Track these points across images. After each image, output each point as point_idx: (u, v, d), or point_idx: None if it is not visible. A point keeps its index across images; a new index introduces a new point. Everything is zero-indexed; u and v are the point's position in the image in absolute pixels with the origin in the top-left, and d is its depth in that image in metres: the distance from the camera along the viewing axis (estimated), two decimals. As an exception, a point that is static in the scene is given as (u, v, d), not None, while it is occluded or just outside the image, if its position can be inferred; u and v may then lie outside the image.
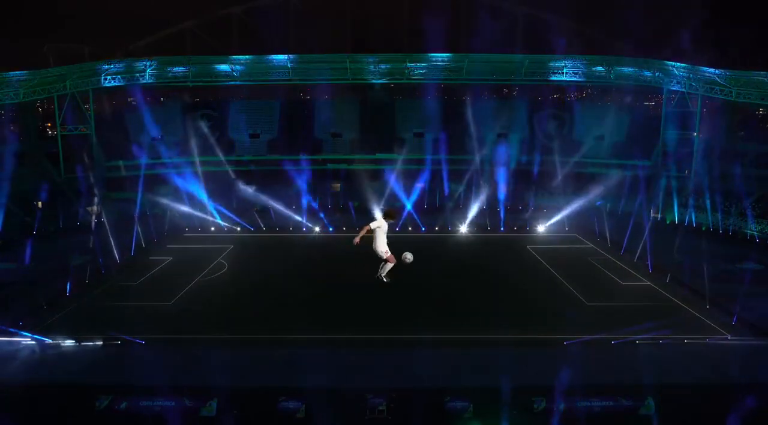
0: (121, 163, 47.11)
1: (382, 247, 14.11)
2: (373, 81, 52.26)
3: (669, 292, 27.92)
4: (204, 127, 49.44)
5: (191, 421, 16.41)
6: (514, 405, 16.51)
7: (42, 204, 41.11)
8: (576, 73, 49.72)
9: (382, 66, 50.46)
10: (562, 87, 56.51)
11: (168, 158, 46.31)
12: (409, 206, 43.77)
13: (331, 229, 42.09)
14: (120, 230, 36.85)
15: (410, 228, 41.38)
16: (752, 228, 38.45)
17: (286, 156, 48.31)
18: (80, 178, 43.24)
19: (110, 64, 46.62)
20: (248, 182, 46.18)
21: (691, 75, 44.11)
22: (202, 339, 21.92)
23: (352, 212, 43.79)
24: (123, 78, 47.66)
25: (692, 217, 41.65)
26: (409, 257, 14.45)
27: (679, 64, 44.24)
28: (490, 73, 50.19)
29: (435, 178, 47.43)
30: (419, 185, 47.12)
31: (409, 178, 47.27)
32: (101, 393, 17.17)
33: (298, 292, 28.12)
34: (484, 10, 48.77)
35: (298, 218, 42.90)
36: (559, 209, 43.01)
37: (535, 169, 47.28)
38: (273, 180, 46.77)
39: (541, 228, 41.46)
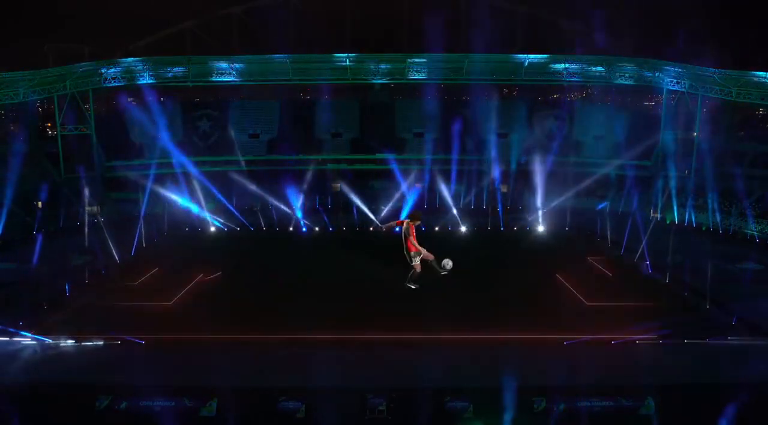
0: (121, 163, 47.10)
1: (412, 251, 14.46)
2: (373, 81, 52.28)
3: (669, 292, 27.91)
4: (204, 127, 49.49)
5: (191, 421, 16.41)
6: (514, 405, 16.50)
7: (42, 204, 41.11)
8: (576, 74, 49.74)
9: (382, 66, 50.48)
10: (562, 87, 56.53)
11: (168, 158, 46.26)
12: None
13: (331, 229, 42.10)
14: (120, 230, 36.85)
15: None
16: (752, 228, 38.45)
17: (286, 156, 48.33)
18: (80, 178, 43.24)
19: (110, 64, 46.64)
20: (248, 183, 46.18)
21: (691, 75, 44.13)
22: (202, 339, 21.91)
23: (355, 213, 43.78)
24: (123, 78, 47.69)
25: (692, 217, 41.66)
26: (449, 265, 14.57)
27: (678, 64, 44.27)
28: (490, 73, 50.20)
29: (434, 178, 47.42)
30: (419, 185, 47.14)
31: (407, 178, 47.28)
32: (101, 393, 17.18)
33: (298, 292, 28.12)
34: (484, 10, 48.79)
35: (297, 218, 42.90)
36: (558, 209, 43.01)
37: (535, 169, 47.21)
38: (273, 180, 46.74)
39: (540, 228, 41.47)
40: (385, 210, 43.73)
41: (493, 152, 47.61)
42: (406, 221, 13.97)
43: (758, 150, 43.51)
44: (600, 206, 44.17)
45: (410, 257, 14.26)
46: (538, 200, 44.44)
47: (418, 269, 14.37)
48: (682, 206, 42.47)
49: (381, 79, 52.03)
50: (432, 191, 47.55)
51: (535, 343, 21.45)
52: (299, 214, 42.81)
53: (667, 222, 42.03)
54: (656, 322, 22.81)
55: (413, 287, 14.82)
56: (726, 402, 16.16)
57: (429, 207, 46.21)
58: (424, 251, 14.89)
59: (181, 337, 22.23)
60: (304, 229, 41.80)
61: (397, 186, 45.83)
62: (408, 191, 45.27)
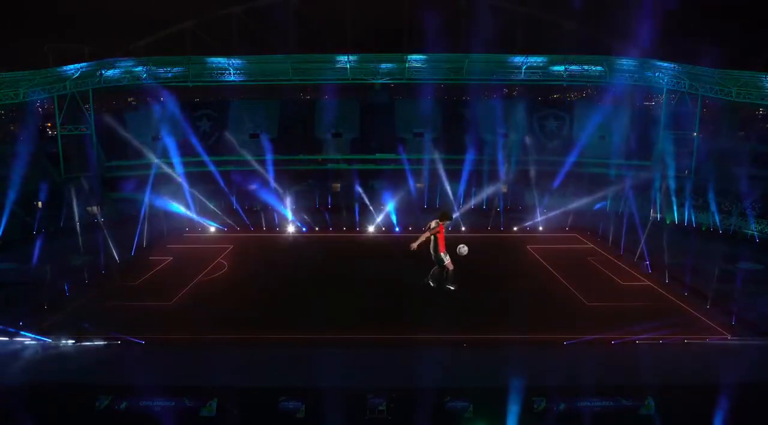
0: (121, 163, 47.11)
1: (441, 251, 14.00)
2: (373, 81, 52.26)
3: (669, 292, 27.91)
4: (204, 127, 49.49)
5: (191, 421, 16.42)
6: (514, 405, 16.50)
7: (42, 204, 41.10)
8: (576, 74, 49.73)
9: (382, 66, 50.46)
10: (562, 87, 56.58)
11: (168, 158, 46.23)
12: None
13: (331, 228, 42.12)
14: (120, 230, 36.86)
15: (410, 228, 41.40)
16: (752, 228, 38.45)
17: (286, 156, 48.29)
18: (80, 178, 43.23)
19: (110, 64, 46.63)
20: (249, 183, 46.18)
21: (691, 75, 44.13)
22: (202, 339, 21.92)
23: (357, 212, 43.81)
24: (123, 78, 47.68)
25: (692, 217, 41.65)
26: (464, 249, 14.19)
27: (679, 64, 44.25)
28: (490, 73, 50.20)
29: (434, 178, 47.38)
30: (419, 185, 47.13)
31: (408, 178, 47.27)
32: (101, 393, 17.18)
33: (298, 292, 28.14)
34: (485, 10, 48.75)
35: (297, 218, 42.91)
36: (558, 209, 43.00)
37: (535, 169, 47.22)
38: (274, 180, 46.74)
39: (540, 228, 41.48)
40: (386, 210, 43.75)
41: (492, 152, 47.58)
42: (435, 221, 13.70)
43: (758, 150, 43.46)
44: (597, 207, 44.16)
45: (440, 259, 13.95)
46: (538, 200, 44.48)
47: (451, 267, 14.23)
48: (681, 206, 42.45)
49: (381, 79, 52.00)
50: (432, 190, 47.55)
51: (535, 343, 21.44)
52: (291, 215, 42.82)
53: (667, 222, 42.02)
54: (656, 322, 22.82)
55: (452, 288, 14.53)
56: (726, 402, 16.16)
57: (429, 207, 46.21)
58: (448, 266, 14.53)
59: (181, 337, 22.24)
60: (303, 229, 41.83)
61: (396, 186, 45.78)
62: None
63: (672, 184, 43.88)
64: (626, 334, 21.91)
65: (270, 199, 44.98)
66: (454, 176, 47.14)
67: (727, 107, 44.86)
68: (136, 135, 48.31)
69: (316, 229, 42.01)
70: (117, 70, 47.24)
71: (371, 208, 44.67)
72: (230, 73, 49.67)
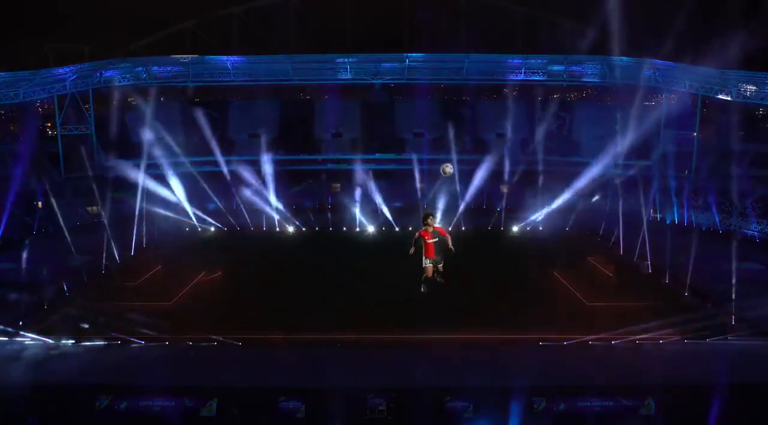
0: (121, 163, 47.03)
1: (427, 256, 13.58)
2: (373, 81, 52.23)
3: (669, 292, 27.92)
4: (204, 127, 49.39)
5: (191, 421, 16.42)
6: (514, 405, 16.50)
7: (42, 204, 41.07)
8: (576, 73, 49.72)
9: (383, 66, 50.45)
10: (562, 87, 56.51)
11: (168, 158, 46.21)
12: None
13: (330, 228, 42.13)
14: (120, 230, 36.85)
15: (410, 228, 41.37)
16: (752, 228, 38.45)
17: (286, 156, 48.29)
18: (80, 178, 43.21)
19: (110, 64, 46.62)
20: (248, 183, 46.14)
21: (691, 75, 44.10)
22: (202, 339, 21.91)
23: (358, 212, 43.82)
24: (123, 78, 47.66)
25: (692, 217, 41.64)
26: (448, 169, 13.50)
27: (678, 63, 44.23)
28: (490, 73, 50.18)
29: (434, 178, 47.34)
30: (419, 185, 47.10)
31: (408, 178, 47.24)
32: (101, 393, 17.17)
33: (298, 292, 28.13)
34: (485, 10, 48.77)
35: (297, 217, 42.94)
36: (558, 209, 42.98)
37: (535, 169, 47.20)
38: (272, 180, 46.71)
39: (540, 227, 41.49)
40: (385, 210, 43.80)
41: (492, 152, 47.50)
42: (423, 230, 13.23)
43: (758, 150, 43.42)
44: (594, 201, 44.12)
45: (432, 262, 13.54)
46: (538, 200, 44.46)
47: (429, 274, 13.85)
48: (681, 206, 42.44)
49: (381, 79, 51.98)
50: (431, 191, 47.51)
51: (535, 343, 21.43)
52: (291, 215, 42.86)
53: (667, 222, 42.01)
54: (656, 322, 22.82)
55: (422, 289, 14.24)
56: (726, 402, 16.15)
57: (429, 207, 46.17)
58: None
59: (181, 337, 22.23)
60: (303, 229, 41.85)
61: (396, 186, 45.78)
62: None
63: (672, 184, 43.87)
64: (626, 334, 21.90)
65: (270, 199, 44.95)
66: (453, 176, 47.13)
67: (727, 107, 44.78)
68: (136, 135, 48.28)
69: (316, 229, 42.01)
70: (117, 70, 47.21)
71: (371, 208, 44.67)
72: (230, 73, 49.65)
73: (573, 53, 47.88)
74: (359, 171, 46.30)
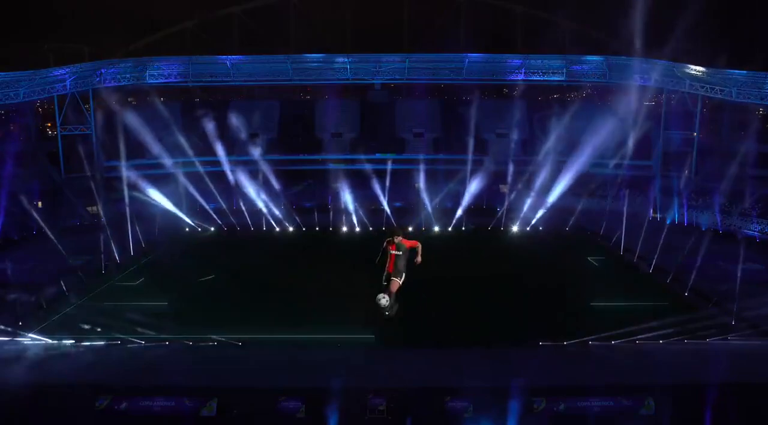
0: (120, 163, 47.05)
1: (393, 273, 12.45)
2: (373, 81, 52.23)
3: (669, 292, 27.90)
4: (203, 127, 49.40)
5: (191, 421, 16.42)
6: (514, 405, 16.50)
7: (42, 204, 41.07)
8: (576, 73, 49.74)
9: (382, 66, 50.46)
10: (562, 87, 56.57)
11: (167, 158, 46.25)
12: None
13: (330, 228, 42.13)
14: (120, 230, 36.84)
15: (410, 229, 41.39)
16: (753, 228, 38.45)
17: (287, 156, 48.31)
18: (80, 178, 43.22)
19: (110, 64, 46.63)
20: (247, 183, 46.14)
21: (691, 75, 44.12)
22: (202, 339, 21.91)
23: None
24: (123, 78, 47.68)
25: (692, 217, 41.64)
26: (383, 301, 12.09)
27: (678, 64, 44.25)
28: (490, 73, 50.20)
29: (434, 178, 47.38)
30: (417, 185, 47.11)
31: (408, 178, 47.26)
32: (101, 393, 17.16)
33: (298, 292, 28.11)
34: (485, 10, 48.80)
35: (297, 217, 42.95)
36: (558, 209, 42.98)
37: (535, 169, 47.21)
38: (273, 180, 46.74)
39: (540, 227, 41.48)
40: (385, 210, 43.83)
41: (493, 152, 47.57)
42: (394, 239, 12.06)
43: (758, 150, 43.44)
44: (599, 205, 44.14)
45: (387, 276, 12.50)
46: (538, 200, 44.46)
47: (393, 291, 12.58)
48: (681, 206, 42.44)
49: (381, 79, 51.98)
50: (431, 191, 47.51)
51: (535, 343, 21.42)
52: (291, 215, 42.88)
53: (667, 222, 41.99)
54: (657, 322, 22.81)
55: (386, 312, 12.93)
56: (726, 402, 16.16)
57: (428, 207, 46.20)
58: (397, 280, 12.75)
59: (182, 337, 22.22)
60: (303, 229, 41.86)
61: (396, 186, 45.77)
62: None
63: (672, 184, 43.86)
64: (626, 334, 21.89)
65: (270, 199, 44.96)
66: (453, 176, 47.22)
67: (728, 107, 44.84)
68: (136, 135, 48.27)
69: (316, 229, 42.01)
70: (117, 70, 47.22)
71: (371, 208, 44.67)
72: (230, 73, 49.65)
73: (573, 53, 47.94)
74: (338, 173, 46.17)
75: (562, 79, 50.17)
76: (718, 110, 46.84)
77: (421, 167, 46.51)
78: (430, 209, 44.37)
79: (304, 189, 48.16)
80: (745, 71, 41.52)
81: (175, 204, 42.88)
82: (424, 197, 45.94)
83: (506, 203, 45.05)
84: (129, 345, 21.31)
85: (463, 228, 41.67)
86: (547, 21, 50.58)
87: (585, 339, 21.54)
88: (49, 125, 57.04)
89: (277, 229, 42.03)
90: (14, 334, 21.95)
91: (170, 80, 49.52)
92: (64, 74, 44.64)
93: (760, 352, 21.22)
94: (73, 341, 21.61)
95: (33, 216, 39.20)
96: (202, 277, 30.08)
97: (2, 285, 27.82)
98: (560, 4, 50.71)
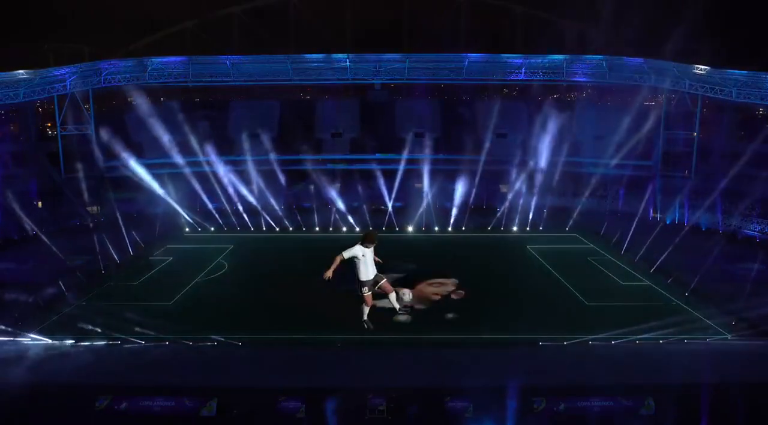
0: (120, 163, 47.08)
1: (363, 278, 11.77)
2: (373, 81, 52.21)
3: (669, 292, 27.92)
4: (204, 127, 49.43)
5: (191, 421, 16.41)
6: (514, 405, 16.49)
7: (42, 204, 41.05)
8: (576, 73, 49.73)
9: (382, 66, 50.46)
10: (562, 87, 56.53)
11: (167, 158, 46.24)
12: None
13: (330, 228, 42.15)
14: (120, 230, 36.86)
15: (410, 229, 41.47)
16: (753, 228, 38.45)
17: (286, 156, 48.26)
18: (80, 178, 43.23)
19: (110, 64, 46.62)
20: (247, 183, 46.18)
21: (691, 75, 44.11)
22: (202, 339, 21.91)
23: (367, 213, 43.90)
24: (123, 78, 47.67)
25: (692, 217, 41.62)
26: (407, 296, 11.57)
27: (679, 64, 44.23)
28: (490, 73, 50.19)
29: (434, 178, 47.35)
30: (417, 185, 47.11)
31: (408, 178, 47.22)
32: (101, 393, 17.16)
33: (298, 292, 28.10)
34: (485, 10, 48.80)
35: (297, 217, 42.96)
36: (557, 209, 43.01)
37: (535, 169, 47.21)
38: (273, 180, 46.76)
39: (540, 227, 41.50)
40: (386, 210, 43.90)
41: (492, 152, 47.48)
42: (352, 251, 11.25)
43: (758, 150, 43.41)
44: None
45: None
46: (538, 201, 44.48)
47: (369, 302, 11.99)
48: (682, 206, 42.43)
49: (381, 79, 51.97)
50: (431, 191, 47.49)
51: (534, 343, 21.43)
52: (290, 215, 42.93)
53: (667, 222, 42.00)
54: (656, 322, 22.82)
55: (367, 326, 12.58)
56: (726, 402, 16.16)
57: (429, 207, 46.18)
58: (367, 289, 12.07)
59: (182, 337, 22.23)
60: (303, 228, 41.89)
61: (396, 186, 45.79)
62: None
63: (672, 184, 43.84)
64: (626, 334, 21.89)
65: (270, 199, 44.96)
66: (454, 176, 47.17)
67: (728, 107, 44.80)
68: (135, 135, 48.32)
69: (316, 229, 42.01)
70: (117, 70, 47.20)
71: (371, 208, 44.68)
72: (230, 73, 49.65)
73: (573, 53, 47.90)
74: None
75: (562, 79, 50.13)
76: (718, 110, 46.78)
77: (421, 167, 46.50)
78: (430, 209, 44.36)
79: (303, 189, 48.14)
80: (745, 71, 41.47)
81: (174, 204, 42.85)
82: (425, 196, 45.99)
83: (507, 203, 45.07)
84: (129, 345, 21.30)
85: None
86: (547, 21, 50.57)
87: (585, 338, 21.54)
88: (49, 125, 57.02)
89: (277, 229, 42.03)
90: (14, 334, 21.94)
91: (170, 80, 49.48)
92: (64, 74, 44.62)
93: (760, 352, 21.22)
94: (73, 341, 21.61)
95: (33, 216, 39.26)
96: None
97: (2, 285, 27.81)
98: (560, 4, 50.70)
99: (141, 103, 46.00)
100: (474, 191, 46.54)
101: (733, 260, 32.37)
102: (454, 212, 43.88)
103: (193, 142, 47.53)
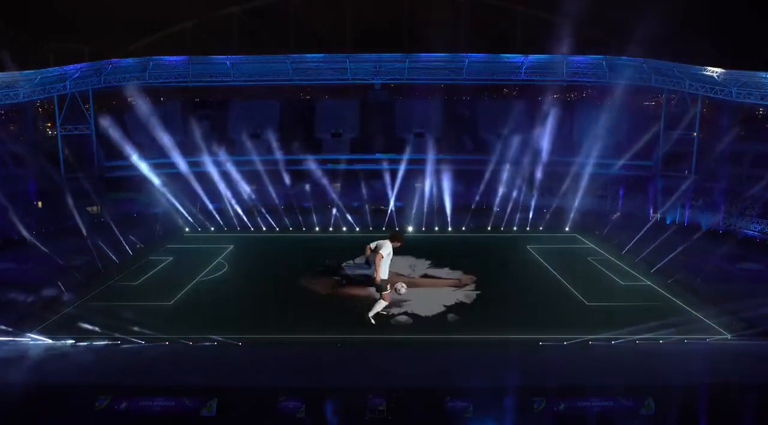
0: (121, 163, 47.10)
1: (384, 277, 12.30)
2: (373, 81, 52.22)
3: (669, 292, 27.91)
4: (204, 127, 49.44)
5: (191, 421, 16.41)
6: (514, 405, 16.49)
7: (42, 204, 41.04)
8: (576, 73, 49.75)
9: (382, 66, 50.47)
10: (561, 87, 56.52)
11: (167, 158, 46.24)
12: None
13: (331, 229, 42.16)
14: (119, 230, 36.86)
15: (410, 228, 41.44)
16: (753, 228, 38.46)
17: (286, 156, 48.26)
18: (80, 178, 43.23)
19: (110, 64, 46.63)
20: (247, 183, 46.18)
21: (690, 75, 44.13)
22: (202, 339, 21.91)
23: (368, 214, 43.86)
24: (123, 78, 47.67)
25: (692, 217, 41.65)
26: (402, 289, 12.37)
27: (678, 64, 44.24)
28: (490, 73, 50.22)
29: (434, 178, 47.36)
30: (417, 185, 47.13)
31: (409, 178, 47.23)
32: (101, 393, 17.16)
33: (298, 292, 28.12)
34: (484, 10, 48.79)
35: (297, 217, 42.95)
36: (557, 209, 43.00)
37: (535, 169, 47.21)
38: (273, 180, 46.76)
39: (540, 227, 41.50)
40: (386, 210, 43.89)
41: (493, 152, 47.48)
42: (381, 247, 11.39)
43: (758, 150, 43.46)
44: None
45: (376, 287, 12.19)
46: (538, 200, 44.48)
47: (387, 300, 12.36)
48: (682, 206, 42.45)
49: (381, 79, 51.99)
50: (431, 191, 47.52)
51: (534, 343, 21.43)
52: (291, 215, 42.95)
53: (668, 222, 42.03)
54: (656, 322, 22.82)
55: (372, 321, 12.82)
56: (726, 402, 16.17)
57: (428, 208, 46.22)
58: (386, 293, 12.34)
59: (182, 337, 22.22)
60: (303, 228, 41.89)
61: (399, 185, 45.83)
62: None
63: (672, 184, 43.83)
64: (626, 334, 21.89)
65: (270, 199, 44.96)
66: (454, 176, 47.15)
67: (728, 107, 44.80)
68: (135, 135, 48.33)
69: (316, 229, 42.02)
70: (117, 70, 47.22)
71: (372, 208, 44.68)
72: (230, 73, 49.67)
73: (573, 53, 47.88)
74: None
75: (562, 79, 50.14)
76: (718, 110, 46.79)
77: (421, 167, 46.48)
78: (430, 208, 44.38)
79: (303, 189, 48.14)
80: (745, 71, 41.48)
81: (174, 204, 42.84)
82: (425, 196, 46.00)
83: (506, 203, 45.06)
84: (129, 345, 21.30)
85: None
86: (547, 21, 50.58)
87: (585, 338, 21.55)
88: (49, 125, 57.04)
89: (277, 229, 42.03)
90: (14, 334, 21.94)
91: (170, 80, 49.50)
92: (64, 74, 44.63)
93: (760, 352, 21.22)
94: (73, 341, 21.61)
95: (33, 216, 39.30)
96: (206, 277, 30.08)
97: (2, 285, 27.81)
98: (560, 4, 50.68)
99: (141, 103, 46.00)
100: (474, 190, 46.56)
101: (733, 260, 32.39)
102: (454, 212, 43.88)
103: (193, 142, 47.58)
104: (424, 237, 39.93)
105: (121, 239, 35.49)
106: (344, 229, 42.00)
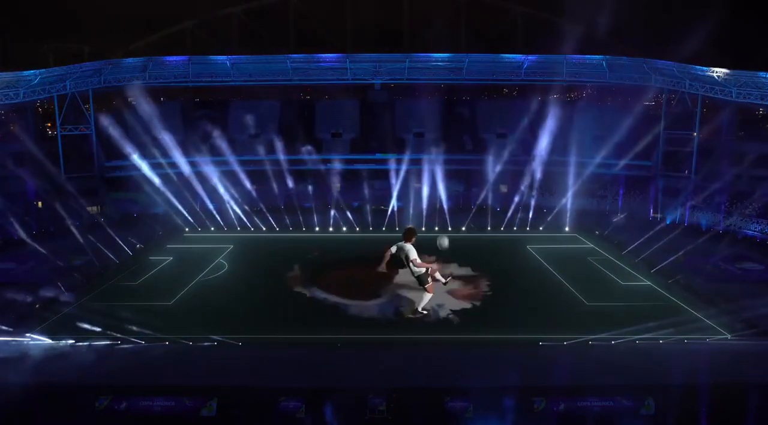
0: (121, 163, 47.12)
1: (419, 272, 12.71)
2: (373, 81, 52.23)
3: (669, 292, 27.92)
4: (204, 127, 49.46)
5: (191, 421, 16.40)
6: (514, 405, 16.49)
7: (42, 204, 41.04)
8: (576, 73, 49.76)
9: (382, 66, 50.49)
10: (561, 87, 56.53)
11: (167, 158, 46.26)
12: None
13: (331, 229, 42.16)
14: (120, 230, 36.87)
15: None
16: (753, 228, 38.46)
17: (286, 156, 48.26)
18: (80, 178, 43.22)
19: (110, 64, 46.63)
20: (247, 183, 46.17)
21: (690, 75, 44.13)
22: (202, 339, 21.91)
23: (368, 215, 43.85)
24: (123, 78, 47.69)
25: (692, 217, 41.65)
26: (445, 242, 12.87)
27: (678, 64, 44.24)
28: (490, 73, 50.24)
29: (434, 178, 47.36)
30: (417, 185, 47.13)
31: (409, 178, 47.22)
32: (101, 393, 17.15)
33: (298, 292, 28.12)
34: (484, 10, 48.81)
35: (297, 217, 42.96)
36: (557, 209, 43.00)
37: (535, 169, 47.20)
38: (273, 180, 46.77)
39: (540, 227, 41.50)
40: (387, 210, 43.91)
41: (493, 152, 47.50)
42: (398, 244, 12.08)
43: (758, 150, 43.45)
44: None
45: (420, 281, 12.71)
46: (538, 200, 44.47)
47: (431, 292, 12.99)
48: (682, 206, 42.45)
49: (381, 79, 52.00)
50: (431, 191, 47.50)
51: (534, 343, 21.44)
52: (290, 215, 42.97)
53: (668, 222, 42.02)
54: (656, 322, 22.82)
55: (425, 312, 13.39)
56: (726, 402, 16.15)
57: (428, 208, 46.20)
58: (431, 267, 13.20)
59: (182, 337, 22.22)
60: (303, 229, 41.88)
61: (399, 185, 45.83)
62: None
63: (672, 184, 43.82)
64: (626, 334, 21.89)
65: (270, 199, 44.96)
66: (454, 176, 47.22)
67: (728, 107, 44.80)
68: (135, 135, 48.34)
69: (316, 229, 42.02)
70: (117, 70, 47.23)
71: (372, 208, 44.68)
72: (230, 73, 49.69)
73: (573, 53, 47.94)
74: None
75: (562, 79, 50.14)
76: (718, 110, 46.79)
77: (421, 167, 46.51)
78: (430, 208, 44.36)
79: (303, 189, 48.14)
80: (745, 71, 41.50)
81: (174, 204, 42.84)
82: (424, 196, 45.99)
83: (506, 203, 45.08)
84: (129, 345, 21.30)
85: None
86: (547, 21, 50.62)
87: (585, 338, 21.54)
88: (49, 125, 57.03)
89: (277, 229, 42.03)
90: (14, 334, 21.94)
91: (170, 80, 49.52)
92: (64, 74, 44.62)
93: (760, 352, 21.22)
94: (73, 341, 21.60)
95: (33, 216, 39.30)
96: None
97: (2, 285, 27.82)
98: (560, 4, 50.75)
99: (141, 103, 46.02)
100: (474, 191, 46.55)
101: (733, 260, 32.40)
102: (454, 212, 43.86)
103: (193, 142, 47.59)
104: (425, 236, 39.86)
105: (121, 239, 35.48)
106: (344, 229, 41.98)
